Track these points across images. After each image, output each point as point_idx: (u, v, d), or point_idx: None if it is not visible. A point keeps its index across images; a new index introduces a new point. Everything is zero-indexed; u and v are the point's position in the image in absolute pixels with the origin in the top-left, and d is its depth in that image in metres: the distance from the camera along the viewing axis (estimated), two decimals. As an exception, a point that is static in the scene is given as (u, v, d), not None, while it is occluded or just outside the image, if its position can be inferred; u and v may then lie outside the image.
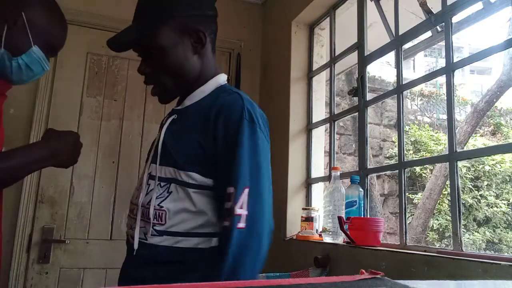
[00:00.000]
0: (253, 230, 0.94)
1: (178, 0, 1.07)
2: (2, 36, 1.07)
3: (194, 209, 0.99)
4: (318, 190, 2.27)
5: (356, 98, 1.97)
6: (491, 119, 9.24)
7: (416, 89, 9.36)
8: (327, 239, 1.79)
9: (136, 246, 0.99)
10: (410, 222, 6.35)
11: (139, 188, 1.06)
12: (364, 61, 1.95)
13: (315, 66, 2.41)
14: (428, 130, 8.47)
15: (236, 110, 0.98)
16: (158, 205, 1.00)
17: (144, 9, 1.05)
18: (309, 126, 2.35)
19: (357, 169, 1.91)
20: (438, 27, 1.61)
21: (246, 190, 0.93)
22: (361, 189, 1.75)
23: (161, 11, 1.04)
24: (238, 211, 0.92)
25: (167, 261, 0.98)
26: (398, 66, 1.75)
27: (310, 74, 2.42)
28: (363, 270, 0.66)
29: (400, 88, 1.73)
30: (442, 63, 4.26)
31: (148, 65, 1.06)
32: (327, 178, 2.12)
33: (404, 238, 1.57)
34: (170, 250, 0.97)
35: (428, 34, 1.70)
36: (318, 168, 2.33)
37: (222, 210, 0.96)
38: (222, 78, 1.11)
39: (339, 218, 1.63)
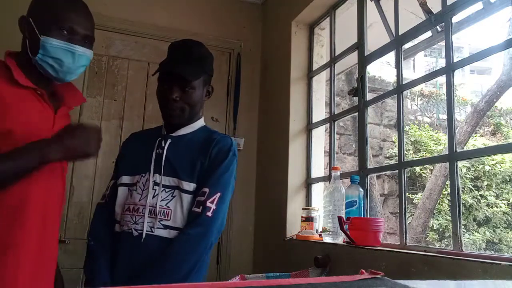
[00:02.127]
0: (214, 220, 1.33)
1: (211, 62, 1.52)
2: (26, 47, 1.15)
3: (185, 210, 1.36)
4: (318, 190, 2.27)
5: (356, 98, 1.97)
6: (491, 119, 9.23)
7: (416, 89, 9.35)
8: (327, 239, 1.79)
9: (144, 235, 1.33)
10: (410, 222, 6.35)
11: (142, 192, 1.39)
12: (364, 61, 1.95)
13: (315, 66, 2.41)
14: (428, 130, 8.46)
15: (227, 145, 1.44)
16: (166, 205, 1.36)
17: (194, 58, 1.46)
18: (309, 126, 2.35)
19: (357, 169, 1.91)
20: (438, 27, 1.61)
21: (218, 194, 1.35)
22: (361, 189, 1.75)
23: (204, 66, 1.47)
24: (209, 204, 1.33)
25: (164, 248, 1.32)
26: (398, 66, 1.75)
27: (310, 74, 2.41)
28: (363, 270, 0.66)
29: (400, 88, 1.73)
30: (442, 63, 4.26)
31: (179, 95, 1.40)
32: (327, 178, 2.12)
33: (404, 238, 1.57)
34: (169, 240, 1.33)
35: (428, 34, 1.70)
36: (318, 168, 2.33)
37: (194, 203, 1.35)
38: (203, 121, 1.54)
39: (339, 218, 1.63)
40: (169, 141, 1.44)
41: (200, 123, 1.51)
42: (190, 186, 1.38)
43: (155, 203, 1.36)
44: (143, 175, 1.41)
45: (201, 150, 1.42)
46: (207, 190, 1.36)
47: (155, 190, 1.38)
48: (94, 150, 1.18)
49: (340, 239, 1.75)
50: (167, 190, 1.38)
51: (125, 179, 1.45)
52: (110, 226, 1.44)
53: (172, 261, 1.29)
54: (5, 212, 1.09)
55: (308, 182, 2.29)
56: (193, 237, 1.32)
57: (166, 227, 1.34)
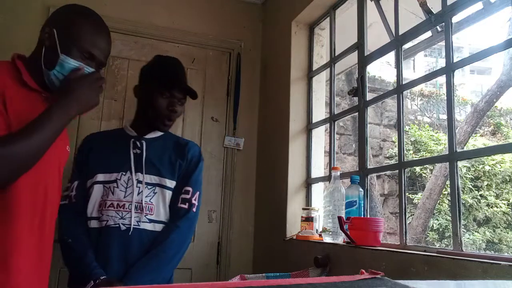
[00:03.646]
0: (197, 215, 1.57)
1: None
2: (41, 57, 1.15)
3: (167, 205, 1.54)
4: (318, 190, 2.27)
5: (356, 98, 1.97)
6: (491, 119, 9.23)
7: (416, 89, 9.35)
8: (327, 239, 1.79)
9: (131, 229, 1.46)
10: (410, 222, 6.35)
11: (126, 189, 1.50)
12: (364, 61, 1.95)
13: (315, 66, 2.41)
14: (428, 130, 8.47)
15: (198, 150, 1.68)
16: (150, 201, 1.51)
17: (186, 77, 1.67)
18: (309, 126, 2.35)
19: (357, 169, 1.91)
20: (438, 27, 1.61)
21: (198, 193, 1.59)
22: (361, 189, 1.75)
23: None
24: (193, 201, 1.55)
25: (150, 239, 1.48)
26: (398, 66, 1.75)
27: (310, 74, 2.41)
28: (363, 270, 0.66)
29: (400, 88, 1.73)
30: (442, 63, 4.26)
31: (178, 109, 1.58)
32: (327, 178, 2.12)
33: (404, 238, 1.57)
34: (153, 232, 1.50)
35: (428, 34, 1.70)
36: (318, 168, 2.32)
37: (178, 199, 1.55)
38: None
39: (339, 218, 1.63)
40: (144, 142, 1.57)
41: None
42: (172, 183, 1.56)
43: (140, 200, 1.49)
44: (123, 173, 1.52)
45: (177, 152, 1.60)
46: (190, 189, 1.56)
47: (139, 187, 1.51)
48: (97, 99, 1.21)
49: (340, 239, 1.74)
50: (149, 187, 1.52)
51: (101, 177, 1.52)
52: (81, 224, 1.49)
53: (168, 252, 1.46)
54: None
55: (308, 182, 2.29)
56: (184, 230, 1.51)
57: (150, 221, 1.50)
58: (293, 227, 2.18)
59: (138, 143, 1.56)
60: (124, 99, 2.52)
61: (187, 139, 1.72)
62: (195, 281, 2.36)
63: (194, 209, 1.55)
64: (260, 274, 1.72)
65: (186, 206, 1.53)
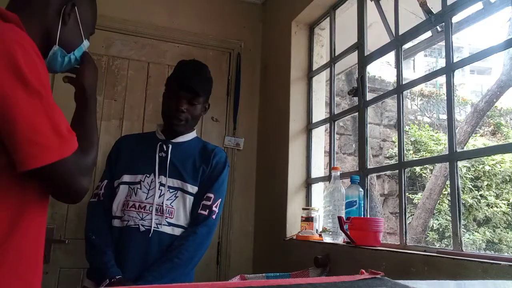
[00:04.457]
0: (216, 222, 1.58)
1: (212, 84, 1.72)
2: (57, 33, 1.05)
3: (188, 210, 1.55)
4: (318, 190, 2.27)
5: (356, 98, 1.97)
6: (491, 119, 9.23)
7: (416, 89, 9.35)
8: (327, 239, 1.79)
9: (152, 231, 1.48)
10: (410, 222, 6.35)
11: (148, 191, 1.53)
12: (364, 61, 1.95)
13: (315, 66, 2.41)
14: (428, 130, 8.47)
15: (224, 157, 1.68)
16: (170, 204, 1.53)
17: (202, 78, 1.65)
18: (309, 126, 2.35)
19: (357, 169, 1.91)
20: (438, 27, 1.61)
21: (220, 200, 1.59)
22: (361, 189, 1.75)
23: (209, 86, 1.69)
24: (214, 208, 1.55)
25: (168, 243, 1.49)
26: (398, 66, 1.75)
27: (310, 74, 2.41)
28: (363, 270, 0.66)
29: (400, 88, 1.73)
30: (442, 63, 4.26)
31: (186, 107, 1.58)
32: (327, 178, 2.12)
33: (404, 238, 1.57)
34: (172, 236, 1.51)
35: (428, 34, 1.70)
36: (318, 168, 2.33)
37: (199, 205, 1.55)
38: (195, 132, 1.73)
39: (339, 218, 1.63)
40: (170, 146, 1.60)
41: (193, 134, 1.70)
42: (193, 189, 1.56)
43: (161, 202, 1.52)
44: (147, 175, 1.55)
45: (202, 157, 1.62)
46: (212, 195, 1.56)
47: (161, 190, 1.53)
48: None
49: (340, 239, 1.74)
50: (171, 190, 1.54)
51: (127, 178, 1.56)
52: (107, 222, 1.54)
53: (183, 256, 1.46)
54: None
55: (308, 182, 2.29)
56: (202, 236, 1.51)
57: (170, 224, 1.52)
58: (293, 227, 2.18)
59: (164, 146, 1.60)
60: (124, 99, 2.52)
61: (215, 145, 1.72)
62: (195, 281, 2.36)
63: (214, 216, 1.55)
64: (260, 274, 1.72)
65: (206, 213, 1.54)
